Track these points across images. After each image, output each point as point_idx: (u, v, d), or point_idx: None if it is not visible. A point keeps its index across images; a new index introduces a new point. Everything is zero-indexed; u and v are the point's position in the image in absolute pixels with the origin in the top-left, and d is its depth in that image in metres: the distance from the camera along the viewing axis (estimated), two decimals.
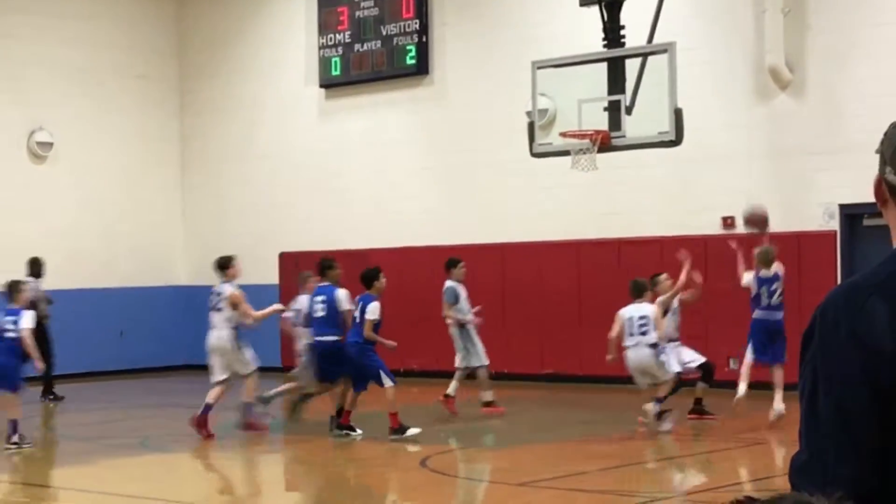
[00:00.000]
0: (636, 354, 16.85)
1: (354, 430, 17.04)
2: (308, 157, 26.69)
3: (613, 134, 18.43)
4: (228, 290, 17.83)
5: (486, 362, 19.06)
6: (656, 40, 18.85)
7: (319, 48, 26.26)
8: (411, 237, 24.64)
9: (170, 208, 28.72)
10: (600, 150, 18.44)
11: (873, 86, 19.62)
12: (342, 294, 17.38)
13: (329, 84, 26.31)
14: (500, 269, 23.25)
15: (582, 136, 18.46)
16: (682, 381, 17.45)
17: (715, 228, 21.33)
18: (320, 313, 17.56)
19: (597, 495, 13.59)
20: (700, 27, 21.35)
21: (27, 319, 16.50)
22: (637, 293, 17.03)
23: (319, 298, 17.69)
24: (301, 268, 20.56)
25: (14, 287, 17.29)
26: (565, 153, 18.92)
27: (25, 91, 26.38)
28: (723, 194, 21.21)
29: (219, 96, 28.30)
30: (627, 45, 18.92)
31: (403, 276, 24.33)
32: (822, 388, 2.77)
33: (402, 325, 23.83)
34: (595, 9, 19.10)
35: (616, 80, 18.59)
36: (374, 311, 16.77)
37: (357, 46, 25.65)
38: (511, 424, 17.87)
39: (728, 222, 21.23)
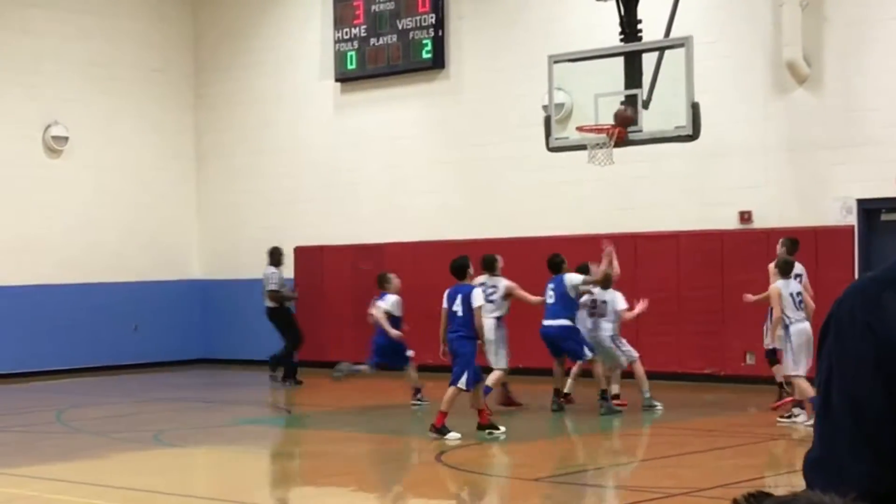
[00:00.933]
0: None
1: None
2: (323, 152, 26.65)
3: (630, 128, 18.35)
4: (504, 282, 18.36)
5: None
6: (673, 34, 18.77)
7: (335, 42, 26.20)
8: (426, 231, 24.58)
9: (184, 202, 28.70)
10: (617, 145, 18.37)
11: (892, 80, 19.51)
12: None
13: (344, 78, 26.25)
14: (516, 264, 23.17)
15: (599, 130, 18.39)
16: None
17: (732, 223, 21.23)
18: (550, 300, 18.40)
19: (613, 491, 13.53)
20: (717, 21, 21.25)
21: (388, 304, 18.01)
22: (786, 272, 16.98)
23: (550, 286, 18.45)
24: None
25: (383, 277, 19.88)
26: (582, 147, 18.85)
27: (41, 85, 26.37)
28: (740, 189, 21.11)
29: (234, 90, 28.27)
30: (644, 40, 18.84)
31: (417, 271, 24.28)
32: (837, 383, 2.73)
33: (417, 319, 23.77)
34: (612, 3, 19.02)
35: (633, 75, 18.51)
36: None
37: (373, 40, 25.59)
38: (527, 420, 17.80)
39: (745, 217, 21.12)
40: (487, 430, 16.30)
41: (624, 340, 18.57)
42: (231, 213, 28.20)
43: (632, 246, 20.95)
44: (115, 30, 27.54)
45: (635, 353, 18.51)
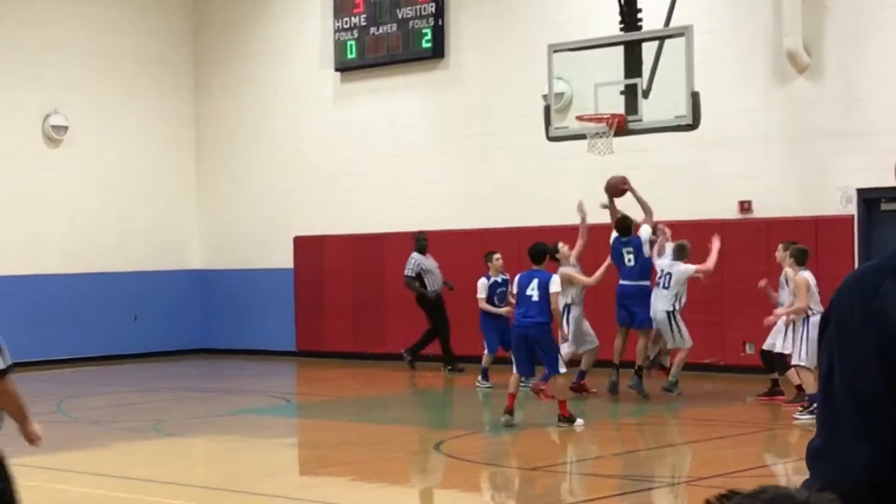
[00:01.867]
0: None
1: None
2: (323, 142, 26.63)
3: (630, 118, 18.34)
4: (683, 267, 18.42)
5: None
6: (673, 23, 18.75)
7: (335, 31, 26.17)
8: (426, 221, 24.56)
9: (184, 192, 28.69)
10: (617, 134, 18.37)
11: (892, 69, 19.49)
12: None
13: (344, 68, 26.23)
14: (517, 253, 23.17)
15: (598, 119, 18.38)
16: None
17: (732, 213, 21.23)
18: (630, 262, 18.84)
19: (611, 480, 13.54)
20: (717, 10, 21.23)
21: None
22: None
23: (628, 249, 18.79)
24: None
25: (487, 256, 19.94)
26: (581, 137, 18.84)
27: (41, 75, 26.36)
28: (740, 179, 21.11)
29: (234, 80, 28.25)
30: (644, 29, 18.82)
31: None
32: (838, 371, 2.75)
33: (416, 310, 23.79)
34: None
35: (633, 64, 18.49)
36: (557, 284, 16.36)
37: (373, 30, 25.56)
38: (525, 409, 17.81)
39: (745, 207, 21.12)
40: (566, 422, 16.11)
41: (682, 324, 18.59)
42: (231, 203, 28.19)
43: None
44: (115, 20, 27.51)
45: (688, 342, 18.53)
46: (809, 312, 16.29)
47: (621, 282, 18.85)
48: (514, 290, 16.54)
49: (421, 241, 23.37)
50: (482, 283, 19.66)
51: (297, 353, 26.45)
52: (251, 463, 15.01)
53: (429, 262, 23.22)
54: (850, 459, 2.69)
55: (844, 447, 2.70)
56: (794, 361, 16.57)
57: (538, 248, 16.47)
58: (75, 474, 13.79)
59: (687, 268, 18.35)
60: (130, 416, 18.87)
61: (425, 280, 23.06)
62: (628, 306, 18.70)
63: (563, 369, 16.10)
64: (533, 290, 15.95)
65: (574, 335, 18.56)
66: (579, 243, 19.20)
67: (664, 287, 18.30)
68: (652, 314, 18.44)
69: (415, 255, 23.23)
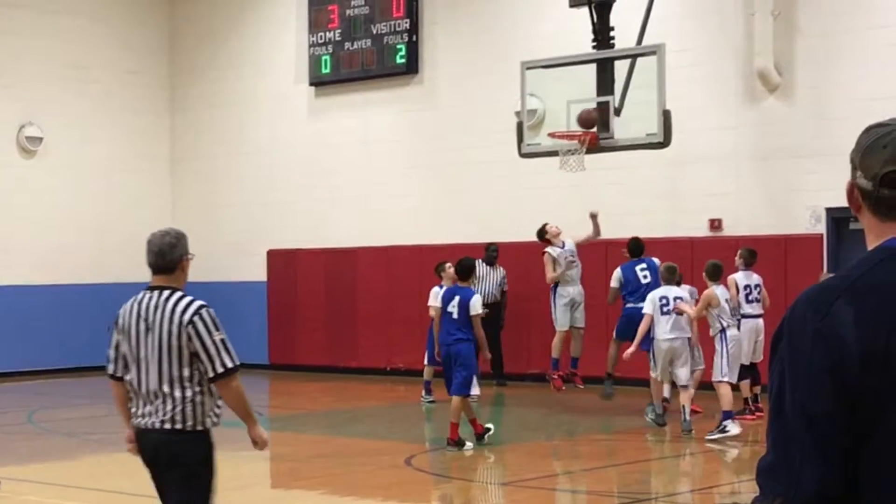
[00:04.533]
0: None
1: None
2: (297, 155, 26.69)
3: (602, 135, 18.48)
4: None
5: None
6: (645, 42, 18.90)
7: (309, 46, 26.26)
8: (398, 236, 24.65)
9: (159, 204, 28.68)
10: (589, 151, 18.49)
11: (862, 89, 19.66)
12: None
13: (319, 82, 26.31)
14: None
15: (570, 136, 18.49)
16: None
17: (703, 230, 21.37)
18: (645, 280, 18.50)
19: (581, 496, 13.62)
20: (689, 29, 21.38)
21: None
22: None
23: (641, 266, 18.63)
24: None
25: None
26: (554, 154, 18.96)
27: (16, 85, 26.35)
28: (711, 196, 21.25)
29: (209, 93, 28.29)
30: (617, 47, 18.96)
31: (390, 275, 24.37)
32: (789, 389, 2.80)
33: (389, 324, 23.86)
34: (585, 10, 19.14)
35: (605, 82, 18.64)
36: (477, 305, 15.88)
37: (347, 45, 25.66)
38: (497, 424, 17.87)
39: (715, 224, 21.27)
40: (484, 437, 15.93)
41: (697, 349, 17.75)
42: (205, 215, 28.20)
43: (603, 252, 21.05)
44: (91, 32, 27.53)
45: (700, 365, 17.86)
46: (723, 325, 16.41)
47: (636, 304, 17.81)
48: (437, 304, 16.27)
49: (489, 254, 22.59)
50: (435, 292, 19.50)
51: (270, 367, 26.46)
52: (222, 476, 14.98)
53: (482, 272, 22.29)
54: (801, 477, 2.73)
55: (796, 464, 2.75)
56: (713, 378, 16.60)
57: (466, 264, 16.07)
58: (47, 486, 13.81)
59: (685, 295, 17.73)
60: (103, 427, 18.84)
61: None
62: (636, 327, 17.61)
63: (475, 391, 15.74)
64: (453, 308, 15.60)
65: (561, 315, 18.90)
66: (586, 235, 19.35)
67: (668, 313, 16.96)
68: (665, 344, 16.91)
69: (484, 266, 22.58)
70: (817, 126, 20.16)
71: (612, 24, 18.99)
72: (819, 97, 20.34)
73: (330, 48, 25.94)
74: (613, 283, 18.94)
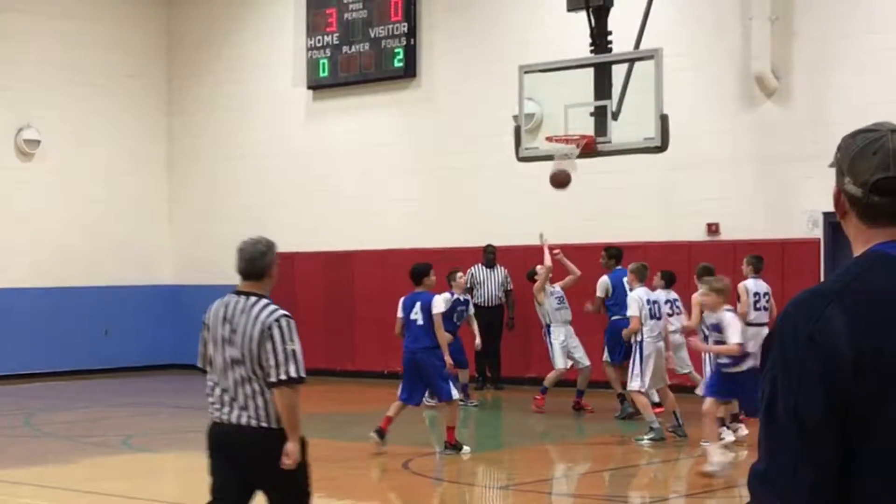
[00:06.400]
0: None
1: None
2: (295, 159, 26.69)
3: (599, 139, 18.48)
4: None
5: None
6: (643, 46, 18.91)
7: (308, 49, 26.27)
8: (396, 239, 24.65)
9: (156, 207, 28.71)
10: (586, 156, 18.48)
11: (859, 94, 19.68)
12: None
13: (317, 86, 26.32)
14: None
15: (567, 141, 18.50)
16: None
17: (700, 235, 21.38)
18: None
19: (578, 499, 13.63)
20: (687, 34, 21.41)
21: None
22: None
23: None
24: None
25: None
26: (552, 157, 18.96)
27: (13, 89, 26.36)
28: (708, 201, 21.26)
29: (207, 96, 28.30)
30: (614, 51, 18.97)
31: (388, 278, 24.37)
32: (782, 396, 2.79)
33: (387, 327, 23.83)
34: (583, 14, 19.14)
35: (603, 86, 18.64)
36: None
37: (345, 48, 25.67)
38: (495, 427, 17.90)
39: (713, 229, 21.28)
40: (455, 450, 15.66)
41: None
42: (202, 218, 28.22)
43: (599, 256, 21.05)
44: (89, 35, 27.54)
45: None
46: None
47: (625, 316, 17.34)
48: (399, 314, 15.96)
49: (486, 254, 22.67)
50: (445, 298, 19.18)
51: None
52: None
53: (482, 276, 22.55)
54: (794, 484, 2.74)
55: (788, 471, 2.75)
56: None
57: (418, 269, 15.99)
58: (43, 489, 13.82)
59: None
60: (100, 430, 18.87)
61: (474, 293, 22.02)
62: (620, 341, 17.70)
63: (455, 395, 15.51)
64: (417, 314, 15.49)
65: (562, 355, 18.88)
66: (570, 278, 19.39)
67: (659, 317, 16.83)
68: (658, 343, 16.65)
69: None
70: (814, 130, 20.17)
71: (609, 28, 19.00)
72: (816, 102, 20.36)
73: (328, 52, 25.94)
74: (599, 293, 18.98)
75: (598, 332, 19.45)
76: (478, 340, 20.41)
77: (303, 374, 7.79)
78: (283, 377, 7.65)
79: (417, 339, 15.50)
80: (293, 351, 7.71)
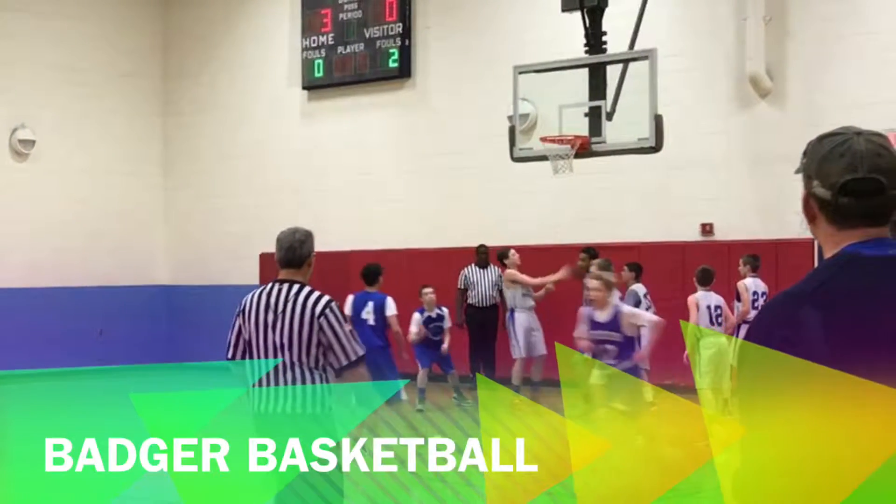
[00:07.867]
0: None
1: None
2: (290, 159, 26.69)
3: (594, 139, 18.48)
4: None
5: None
6: (637, 47, 18.90)
7: (303, 50, 26.27)
8: (391, 239, 24.65)
9: (152, 207, 28.70)
10: (580, 156, 18.48)
11: (854, 95, 19.70)
12: None
13: (312, 86, 26.31)
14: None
15: (561, 141, 18.50)
16: None
17: (694, 235, 21.39)
18: None
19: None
20: (681, 34, 21.41)
21: None
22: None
23: None
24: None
25: None
26: (545, 158, 18.96)
27: (8, 89, 26.35)
28: (702, 201, 21.27)
29: (202, 96, 28.29)
30: (609, 52, 18.96)
31: (384, 278, 24.32)
32: (760, 398, 2.79)
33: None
34: (577, 14, 19.13)
35: (597, 86, 18.62)
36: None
37: (340, 49, 25.67)
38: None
39: (707, 229, 21.29)
40: None
41: None
42: (198, 218, 28.22)
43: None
44: (84, 34, 27.53)
45: None
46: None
47: None
48: (348, 312, 15.84)
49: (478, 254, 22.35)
50: (416, 318, 19.05)
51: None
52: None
53: (475, 276, 22.11)
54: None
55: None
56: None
57: (371, 269, 16.04)
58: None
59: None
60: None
61: (468, 293, 21.76)
62: None
63: (403, 397, 15.51)
64: (368, 314, 15.53)
65: (524, 342, 18.94)
66: (548, 283, 19.49)
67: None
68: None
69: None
70: (809, 131, 19.76)
71: (604, 28, 18.99)
72: (810, 102, 20.37)
73: (323, 52, 25.95)
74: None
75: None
76: (445, 346, 20.11)
77: (364, 350, 8.04)
78: (353, 358, 7.89)
79: (369, 340, 15.40)
80: (350, 331, 8.02)
